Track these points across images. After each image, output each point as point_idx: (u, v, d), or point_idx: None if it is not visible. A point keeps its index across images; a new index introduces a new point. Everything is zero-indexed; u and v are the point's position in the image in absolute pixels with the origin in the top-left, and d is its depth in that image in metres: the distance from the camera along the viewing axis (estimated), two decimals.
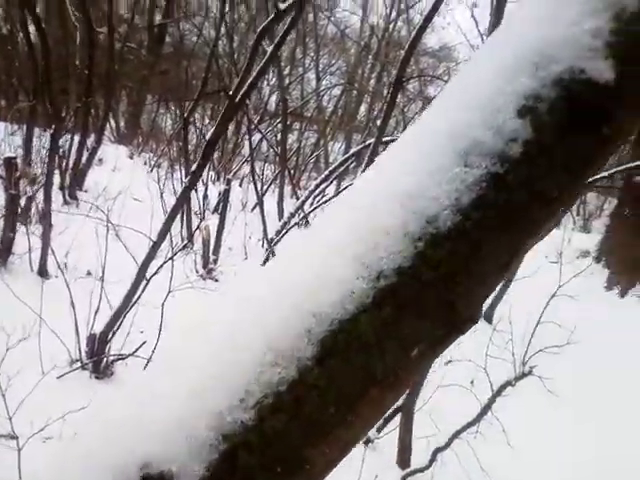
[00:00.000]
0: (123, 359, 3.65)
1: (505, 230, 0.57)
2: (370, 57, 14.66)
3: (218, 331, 0.60)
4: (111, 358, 3.58)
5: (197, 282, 5.06)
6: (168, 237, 4.54)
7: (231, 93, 2.92)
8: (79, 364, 3.49)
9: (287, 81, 13.08)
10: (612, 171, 4.24)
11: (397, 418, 3.65)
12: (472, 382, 4.17)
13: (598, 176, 4.68)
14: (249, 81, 2.83)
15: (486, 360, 3.59)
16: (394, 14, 14.89)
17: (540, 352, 3.49)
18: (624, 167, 4.42)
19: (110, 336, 3.59)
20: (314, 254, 0.60)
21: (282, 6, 2.49)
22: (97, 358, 3.48)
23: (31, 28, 7.81)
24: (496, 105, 0.57)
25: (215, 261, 6.15)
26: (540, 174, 0.56)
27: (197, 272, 5.97)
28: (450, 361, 4.80)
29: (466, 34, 12.58)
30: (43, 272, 4.65)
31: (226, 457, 0.54)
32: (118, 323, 3.63)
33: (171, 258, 3.72)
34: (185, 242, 5.28)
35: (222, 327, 0.60)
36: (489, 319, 6.29)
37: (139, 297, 3.71)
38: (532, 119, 0.56)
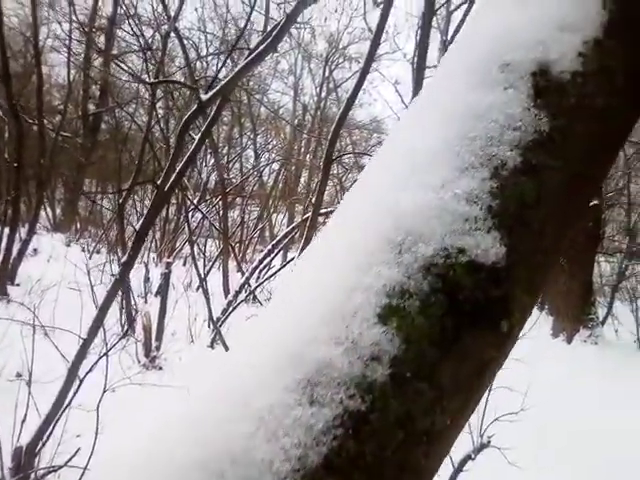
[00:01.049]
0: (55, 471, 3.30)
1: None
2: (305, 133, 15.23)
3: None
4: (41, 472, 3.23)
5: (138, 375, 4.76)
6: (108, 327, 4.30)
7: (159, 183, 2.89)
8: None
9: (226, 160, 13.31)
10: None
11: None
12: None
13: None
14: (177, 170, 2.82)
15: None
16: (324, 93, 15.70)
17: (496, 421, 3.43)
18: None
19: (40, 446, 3.26)
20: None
21: (204, 97, 2.53)
22: (24, 474, 3.13)
23: None
24: (347, 308, 0.42)
25: (158, 348, 5.86)
26: (420, 407, 0.41)
27: (139, 362, 5.65)
28: None
29: (392, 107, 13.34)
30: None
31: None
32: (49, 431, 3.32)
33: (106, 354, 3.49)
34: (123, 332, 5.01)
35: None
36: None
37: (71, 400, 3.43)
38: (400, 325, 0.42)
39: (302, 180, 16.72)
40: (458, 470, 3.21)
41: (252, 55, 2.56)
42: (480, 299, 0.44)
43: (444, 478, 3.23)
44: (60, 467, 3.28)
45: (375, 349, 0.40)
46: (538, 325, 8.46)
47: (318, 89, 16.86)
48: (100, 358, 3.50)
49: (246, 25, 3.88)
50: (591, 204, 5.08)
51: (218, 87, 2.63)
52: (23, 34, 12.24)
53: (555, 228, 0.52)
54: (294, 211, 15.75)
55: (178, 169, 2.97)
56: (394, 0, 3.01)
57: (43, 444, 3.27)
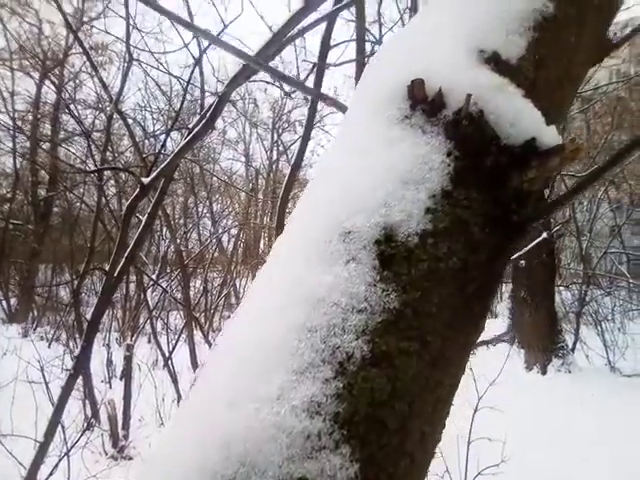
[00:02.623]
0: None
1: None
2: (257, 198, 15.45)
3: None
4: None
5: (105, 471, 4.48)
6: (71, 419, 4.07)
7: (107, 269, 2.85)
8: None
9: (183, 230, 13.25)
10: None
11: None
12: None
13: None
14: (126, 255, 2.79)
15: None
16: (275, 156, 16.07)
17: (479, 475, 3.38)
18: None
19: None
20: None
21: (145, 180, 2.55)
22: None
23: None
24: None
25: (126, 437, 5.57)
26: None
27: (107, 454, 5.35)
28: None
29: None
30: None
31: None
32: None
33: (66, 454, 3.30)
34: (86, 425, 4.76)
35: None
36: None
37: None
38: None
39: (262, 243, 16.77)
40: None
41: (190, 135, 2.61)
42: None
43: None
44: None
45: None
46: (511, 360, 8.53)
47: (268, 153, 17.26)
48: (60, 460, 3.31)
49: (181, 107, 3.98)
50: (541, 237, 5.25)
51: (158, 170, 2.66)
52: None
53: (419, 422, 0.45)
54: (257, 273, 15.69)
55: (126, 254, 2.94)
56: (324, 72, 3.15)
57: None
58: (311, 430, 0.39)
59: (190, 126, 3.07)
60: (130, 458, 5.44)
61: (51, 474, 3.22)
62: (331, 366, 0.42)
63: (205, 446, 0.40)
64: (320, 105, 4.20)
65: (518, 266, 9.98)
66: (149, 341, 10.99)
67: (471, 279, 0.49)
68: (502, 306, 14.74)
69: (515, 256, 5.93)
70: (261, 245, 16.70)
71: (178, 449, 0.43)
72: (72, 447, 3.46)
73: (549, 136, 0.53)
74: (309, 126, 3.71)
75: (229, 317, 9.90)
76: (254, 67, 2.08)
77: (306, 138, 3.59)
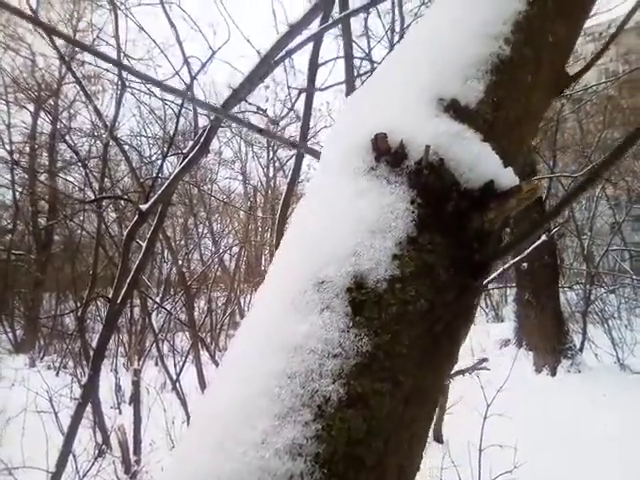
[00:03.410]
0: None
1: None
2: (257, 216, 15.55)
3: None
4: None
5: None
6: (82, 448, 4.08)
7: (110, 297, 2.88)
8: None
9: (184, 251, 13.29)
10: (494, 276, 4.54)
11: None
12: None
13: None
14: (127, 282, 2.83)
15: None
16: (272, 173, 16.17)
17: None
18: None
19: None
20: None
21: (143, 207, 2.59)
22: None
23: None
24: None
25: (138, 462, 5.56)
26: None
27: None
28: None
29: None
30: None
31: None
32: None
33: None
34: (98, 452, 4.76)
35: None
36: (439, 439, 6.12)
37: None
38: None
39: (264, 260, 16.80)
40: None
41: (185, 161, 2.66)
42: None
43: None
44: None
45: None
46: (520, 363, 8.50)
47: (265, 170, 17.37)
48: None
49: (175, 133, 4.05)
50: (541, 239, 5.27)
51: (155, 196, 2.70)
52: None
53: (396, 458, 0.48)
54: None
55: (129, 280, 2.97)
56: (313, 95, 3.20)
57: None
58: (294, 471, 0.43)
59: (185, 151, 3.13)
60: None
61: None
62: (310, 409, 0.45)
63: None
64: (313, 122, 4.26)
65: (521, 269, 9.99)
66: (156, 364, 10.98)
67: (438, 318, 0.52)
68: (507, 309, 14.73)
69: (517, 259, 5.95)
70: (263, 262, 16.75)
71: None
72: (84, 476, 3.47)
73: (506, 177, 0.56)
74: (303, 143, 3.76)
75: (234, 336, 9.87)
76: (226, 118, 2.13)
77: (300, 155, 3.64)
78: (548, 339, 9.36)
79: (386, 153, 0.57)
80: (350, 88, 3.40)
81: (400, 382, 0.48)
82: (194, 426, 0.53)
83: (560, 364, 9.21)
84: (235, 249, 15.66)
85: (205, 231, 15.57)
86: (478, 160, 0.56)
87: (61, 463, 3.14)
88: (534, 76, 0.67)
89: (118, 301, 2.87)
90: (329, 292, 0.51)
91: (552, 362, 9.26)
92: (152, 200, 2.63)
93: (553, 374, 9.16)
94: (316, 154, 2.09)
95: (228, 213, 15.36)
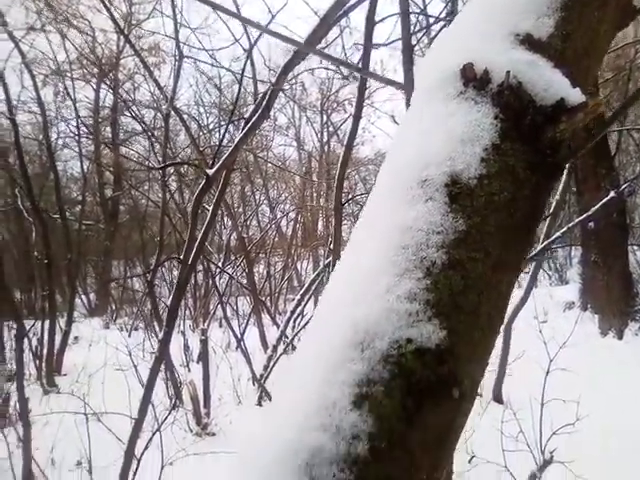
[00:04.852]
0: None
1: None
2: (312, 180, 15.61)
3: None
4: None
5: (192, 446, 4.82)
6: (156, 402, 4.40)
7: (182, 258, 3.06)
8: None
9: (243, 218, 13.62)
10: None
11: None
12: None
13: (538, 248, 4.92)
14: (197, 243, 2.98)
15: (504, 457, 3.43)
16: (325, 138, 16.10)
17: (554, 435, 3.38)
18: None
19: None
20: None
21: (210, 172, 2.71)
22: None
23: None
24: (329, 400, 0.54)
25: (208, 415, 5.92)
26: (398, 470, 0.52)
27: (192, 431, 5.71)
28: (474, 456, 4.58)
29: (393, 138, 13.59)
30: (29, 477, 4.37)
31: None
32: None
33: (158, 429, 3.59)
34: (172, 405, 5.10)
35: None
36: (499, 399, 6.12)
37: (134, 479, 3.51)
38: (371, 408, 0.52)
39: (320, 224, 16.95)
40: None
41: (247, 126, 2.74)
42: (430, 377, 0.55)
43: None
44: None
45: (354, 430, 0.52)
46: (584, 327, 8.28)
47: (319, 135, 17.33)
48: (154, 434, 3.60)
49: (237, 99, 4.12)
50: (609, 196, 5.07)
51: (221, 161, 2.81)
52: (36, 139, 12.98)
53: (486, 307, 0.61)
54: (318, 255, 15.90)
55: (197, 242, 3.13)
56: (370, 51, 3.18)
57: None
58: (411, 310, 0.57)
59: (246, 117, 3.21)
60: (213, 434, 5.78)
61: (146, 448, 3.52)
62: (421, 270, 0.60)
63: (339, 324, 0.60)
64: (368, 82, 4.23)
65: (587, 228, 9.60)
66: (220, 325, 11.48)
67: (518, 208, 0.66)
68: (572, 272, 14.23)
69: (583, 217, 5.75)
70: (319, 226, 16.90)
71: (326, 325, 0.63)
72: (162, 423, 3.76)
73: (575, 96, 0.68)
74: (359, 105, 3.76)
75: (293, 300, 10.16)
76: (306, 52, 2.16)
77: (357, 117, 3.65)
78: (615, 301, 9.02)
79: (473, 80, 0.69)
80: (407, 45, 3.35)
81: (489, 252, 0.63)
82: (331, 290, 0.69)
83: (627, 327, 8.89)
84: (292, 215, 15.90)
85: (262, 198, 15.84)
86: (550, 82, 0.68)
87: (142, 411, 3.41)
88: (600, 11, 0.77)
89: (189, 262, 3.04)
90: (431, 187, 0.65)
91: (619, 325, 8.95)
92: (218, 164, 2.75)
93: (620, 337, 8.87)
94: (390, 82, 2.10)
95: (284, 179, 15.52)
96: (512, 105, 0.66)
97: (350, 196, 10.97)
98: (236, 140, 2.77)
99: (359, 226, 0.72)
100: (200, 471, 4.15)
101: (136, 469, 3.56)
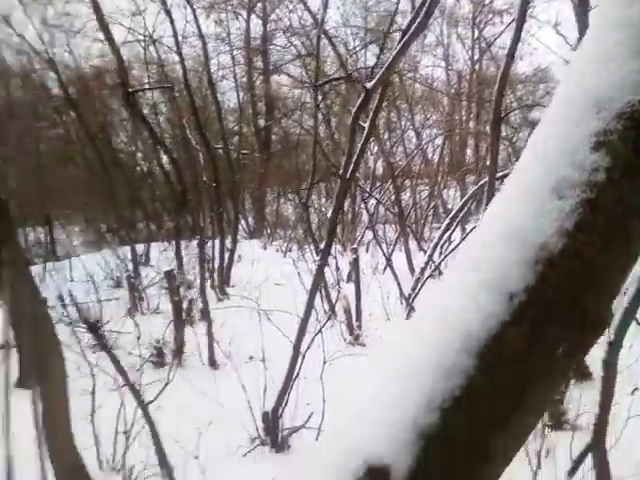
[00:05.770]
0: (296, 432, 3.86)
1: (611, 243, 0.65)
2: (464, 101, 14.78)
3: (400, 362, 0.75)
4: (285, 432, 3.82)
5: (347, 349, 5.25)
6: (313, 312, 4.85)
7: (341, 173, 3.22)
8: (258, 441, 3.78)
9: (388, 145, 13.56)
10: None
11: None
12: None
13: None
14: (354, 158, 3.10)
15: None
16: (477, 55, 14.99)
17: None
18: None
19: (281, 412, 3.85)
20: (458, 291, 0.73)
21: (369, 85, 2.76)
22: (273, 434, 3.73)
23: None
24: (573, 146, 0.66)
25: (359, 327, 6.33)
26: (628, 192, 0.64)
27: (345, 340, 6.18)
28: (636, 389, 4.36)
29: (556, 52, 12.22)
30: (212, 363, 5.15)
31: (424, 451, 0.67)
32: (285, 399, 3.89)
33: (320, 330, 3.97)
34: (329, 314, 5.56)
35: (400, 357, 0.75)
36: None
37: (299, 372, 3.97)
38: (607, 150, 0.63)
39: (468, 151, 16.23)
40: None
41: (406, 36, 2.72)
42: None
43: None
44: (299, 428, 3.84)
45: (594, 165, 0.65)
46: None
47: (470, 52, 16.18)
48: (316, 334, 4.00)
49: (397, 9, 4.04)
50: None
51: (380, 73, 2.85)
52: (197, 71, 13.99)
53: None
54: (466, 183, 15.36)
55: (354, 158, 3.26)
56: None
57: (283, 409, 3.86)
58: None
59: (403, 27, 3.16)
60: (364, 345, 6.20)
61: (312, 342, 3.94)
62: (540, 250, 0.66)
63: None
64: None
65: None
66: (367, 250, 11.89)
67: None
68: None
69: None
70: (468, 152, 16.19)
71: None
72: (324, 325, 4.15)
73: None
74: (524, 6, 3.48)
75: (438, 228, 10.07)
76: None
77: (522, 13, 3.39)
78: None
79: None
80: None
81: None
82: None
83: None
84: (438, 141, 15.40)
85: (407, 124, 15.51)
86: None
87: (307, 312, 3.79)
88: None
89: (347, 176, 3.20)
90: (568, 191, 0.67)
91: None
92: (377, 77, 2.79)
93: None
94: None
95: (432, 102, 14.94)
96: None
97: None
98: (394, 51, 2.77)
99: (482, 225, 0.75)
100: (356, 370, 4.53)
101: (301, 363, 4.01)
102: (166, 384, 3.51)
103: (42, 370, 2.71)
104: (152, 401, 3.12)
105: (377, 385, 0.75)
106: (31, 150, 13.53)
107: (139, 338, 4.04)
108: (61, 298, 3.07)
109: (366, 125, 3.64)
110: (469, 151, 16.36)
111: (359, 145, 3.59)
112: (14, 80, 13.67)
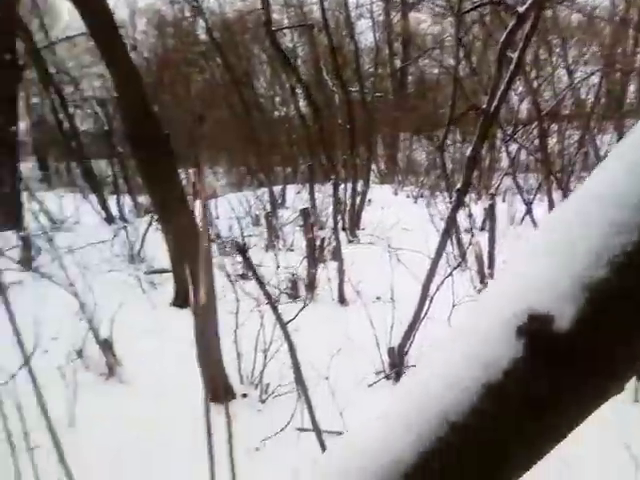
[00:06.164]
0: None
1: None
2: (630, 30, 12.91)
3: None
4: (410, 368, 3.93)
5: (476, 296, 5.15)
6: (444, 256, 4.81)
7: (484, 107, 3.05)
8: (383, 374, 3.94)
9: (535, 84, 12.42)
10: None
11: None
12: None
13: None
14: (499, 93, 2.92)
15: None
16: None
17: None
18: None
19: (407, 349, 3.96)
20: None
21: (521, 9, 2.54)
22: (398, 368, 3.87)
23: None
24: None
25: (491, 275, 6.14)
26: None
27: (475, 287, 6.06)
28: None
29: None
30: (342, 299, 5.40)
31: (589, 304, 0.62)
32: (411, 337, 3.98)
33: (450, 274, 3.94)
34: (459, 260, 5.46)
35: None
36: None
37: (426, 312, 4.01)
38: None
39: (631, 88, 14.29)
40: None
41: None
42: None
43: None
44: None
45: None
46: None
47: None
48: (448, 276, 3.98)
49: None
50: None
51: None
52: (335, 10, 13.83)
53: None
54: (624, 126, 13.68)
55: (500, 92, 3.07)
56: None
57: (409, 347, 3.96)
58: None
59: None
60: None
61: (441, 283, 3.94)
62: None
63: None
64: None
65: None
66: (503, 200, 11.29)
67: None
68: None
69: None
70: (629, 92, 14.30)
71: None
72: (455, 268, 4.12)
73: None
74: None
75: (586, 179, 9.13)
76: None
77: None
78: None
79: None
80: None
81: None
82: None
83: None
84: (594, 79, 13.72)
85: (559, 60, 13.99)
86: None
87: (439, 253, 3.76)
88: None
89: (491, 111, 3.04)
90: None
91: None
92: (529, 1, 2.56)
93: None
94: None
95: (590, 32, 13.24)
96: None
97: None
98: None
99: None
100: None
101: (429, 305, 4.04)
102: (303, 307, 3.78)
103: (196, 292, 3.06)
104: (291, 320, 3.38)
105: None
106: (183, 95, 14.63)
107: (278, 268, 4.34)
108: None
109: (514, 55, 3.39)
110: (632, 89, 14.42)
111: (505, 79, 3.37)
112: (168, 28, 14.71)
